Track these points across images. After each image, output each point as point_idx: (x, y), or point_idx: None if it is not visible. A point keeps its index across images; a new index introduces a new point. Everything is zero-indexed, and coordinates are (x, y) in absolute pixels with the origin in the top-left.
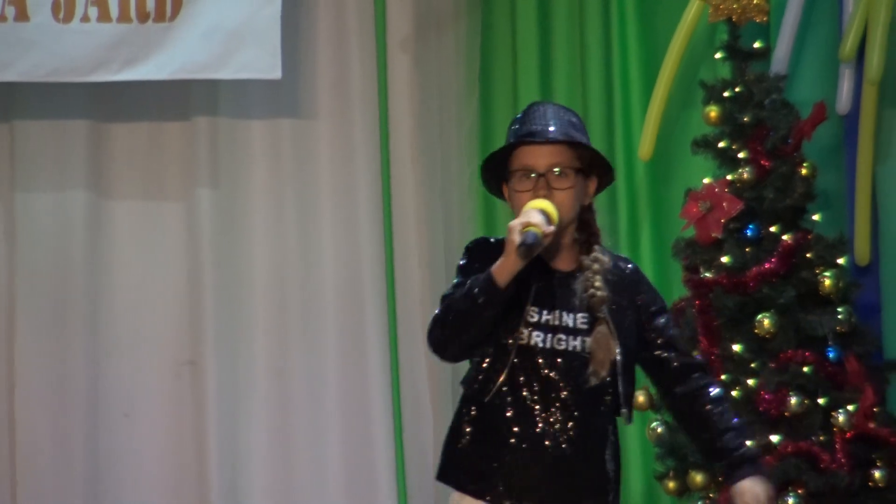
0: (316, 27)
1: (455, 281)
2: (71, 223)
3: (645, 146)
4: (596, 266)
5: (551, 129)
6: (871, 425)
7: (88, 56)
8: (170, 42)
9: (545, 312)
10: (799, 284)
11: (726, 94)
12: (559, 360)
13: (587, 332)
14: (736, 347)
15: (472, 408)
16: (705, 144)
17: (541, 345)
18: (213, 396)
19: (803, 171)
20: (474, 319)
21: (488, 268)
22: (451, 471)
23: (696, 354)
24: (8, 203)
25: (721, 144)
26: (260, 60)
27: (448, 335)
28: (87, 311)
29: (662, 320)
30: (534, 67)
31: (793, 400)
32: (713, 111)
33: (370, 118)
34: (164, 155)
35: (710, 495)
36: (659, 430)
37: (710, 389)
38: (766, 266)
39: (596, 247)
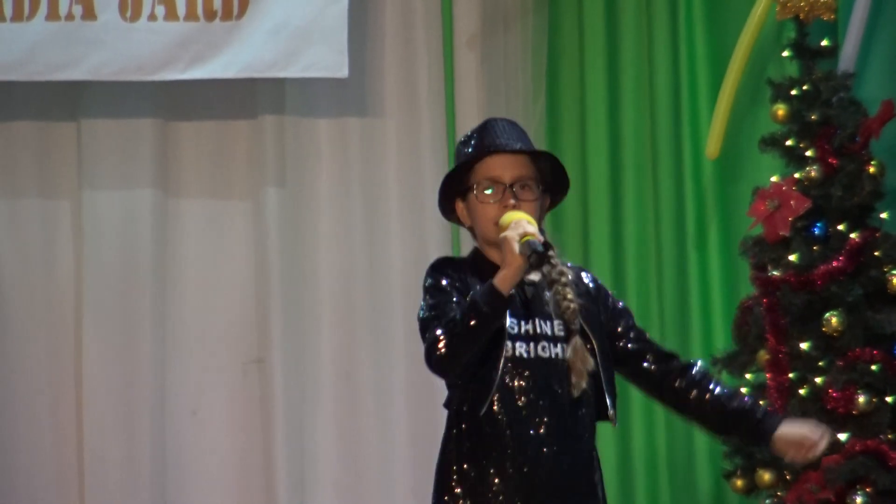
0: (383, 25)
1: (430, 302)
2: (138, 221)
3: (712, 144)
4: (564, 279)
5: (513, 142)
6: None
7: (155, 54)
8: (237, 40)
9: (523, 323)
10: (867, 283)
11: (794, 92)
12: (544, 367)
13: (566, 339)
14: (803, 345)
15: (463, 425)
16: (773, 143)
17: (525, 355)
18: (281, 395)
19: (871, 169)
20: (483, 333)
21: (458, 285)
22: (447, 493)
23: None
24: (75, 201)
25: (788, 143)
26: (327, 59)
27: (459, 354)
28: (154, 309)
29: (631, 320)
30: (601, 65)
31: (861, 398)
32: (780, 109)
33: (437, 116)
34: (231, 153)
35: (778, 493)
36: None
37: (704, 375)
38: (834, 264)
39: (554, 258)
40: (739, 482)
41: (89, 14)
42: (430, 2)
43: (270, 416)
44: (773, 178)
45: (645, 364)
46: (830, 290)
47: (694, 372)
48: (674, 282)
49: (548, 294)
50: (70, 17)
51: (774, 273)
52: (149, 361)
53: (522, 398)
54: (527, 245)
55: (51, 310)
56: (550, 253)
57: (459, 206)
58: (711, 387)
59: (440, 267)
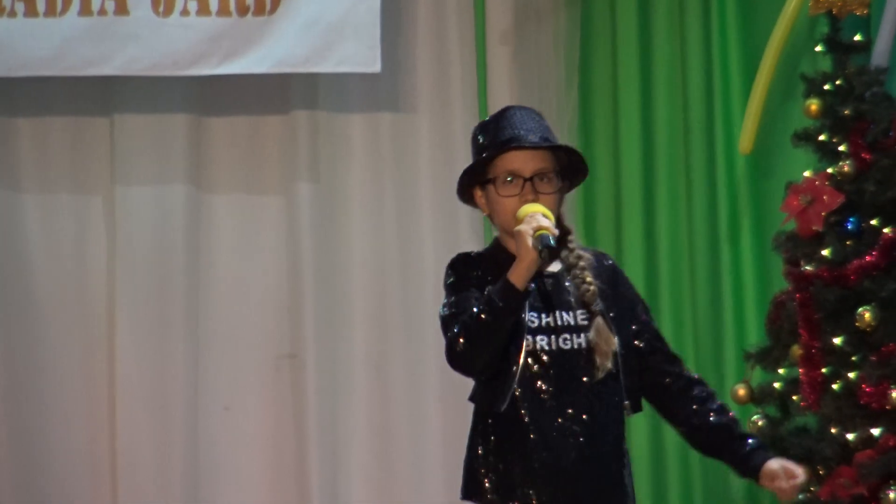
0: (415, 20)
1: (451, 300)
2: (170, 217)
3: (745, 139)
4: (582, 263)
5: (532, 134)
6: None
7: (188, 50)
8: (269, 35)
9: (544, 315)
10: None
11: (827, 87)
12: (567, 359)
13: (588, 329)
14: (837, 340)
15: (488, 421)
16: (806, 137)
17: (546, 347)
18: (313, 390)
19: None
20: (500, 329)
21: (478, 280)
22: (475, 487)
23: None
24: (108, 197)
25: (821, 137)
26: (359, 54)
27: (477, 350)
28: (186, 305)
29: (644, 315)
30: (633, 59)
31: (894, 393)
32: (813, 104)
33: (470, 111)
34: (264, 149)
35: (812, 489)
36: (760, 422)
37: (706, 396)
38: (867, 259)
39: (572, 243)
40: None
41: (122, 9)
42: None
43: (303, 411)
44: (806, 173)
45: (652, 362)
46: (864, 284)
47: (698, 386)
48: (707, 277)
49: (568, 281)
50: (102, 12)
51: (807, 268)
52: (181, 357)
53: (545, 391)
54: (539, 239)
55: (83, 305)
56: (570, 238)
57: (478, 195)
58: (712, 406)
59: (459, 263)
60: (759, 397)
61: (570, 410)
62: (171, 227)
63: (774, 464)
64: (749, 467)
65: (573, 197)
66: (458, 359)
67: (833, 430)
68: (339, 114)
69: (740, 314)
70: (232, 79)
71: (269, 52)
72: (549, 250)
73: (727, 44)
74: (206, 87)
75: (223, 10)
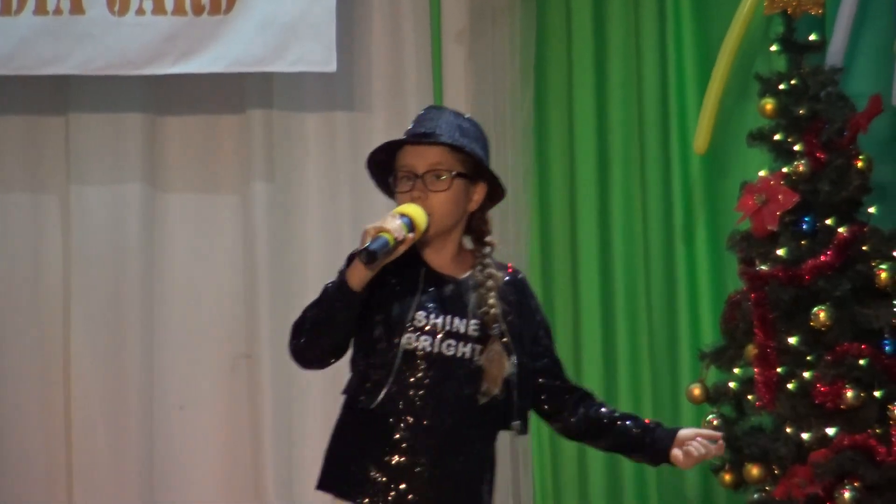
0: (371, 20)
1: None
2: (126, 216)
3: (700, 139)
4: (490, 282)
5: (438, 132)
6: None
7: (143, 49)
8: (225, 35)
9: (433, 316)
10: (854, 277)
11: (782, 86)
12: (445, 365)
13: (478, 340)
14: (792, 340)
15: (356, 415)
16: (761, 137)
17: (427, 349)
18: (268, 389)
19: (859, 164)
20: (330, 324)
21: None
22: (332, 479)
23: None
24: (63, 196)
25: (776, 137)
26: (315, 53)
27: (306, 342)
28: (142, 304)
29: (546, 339)
30: (589, 59)
31: (849, 393)
32: (769, 104)
33: None
34: (219, 148)
35: (766, 488)
36: (715, 422)
37: (594, 402)
38: (822, 259)
39: (487, 259)
40: (728, 477)
41: (77, 8)
42: None
43: (258, 410)
44: (761, 173)
45: (549, 384)
46: (818, 284)
47: (581, 407)
48: (662, 276)
49: (472, 294)
50: (58, 11)
51: (762, 267)
52: (137, 356)
53: (417, 392)
54: (376, 241)
55: (39, 304)
56: (486, 251)
57: None
58: (612, 409)
59: (349, 258)
60: (714, 397)
61: (437, 416)
62: (126, 226)
63: (688, 430)
64: (663, 435)
65: (527, 196)
66: (290, 349)
67: (788, 430)
68: (295, 113)
69: (695, 314)
70: (187, 78)
71: (224, 51)
72: (367, 254)
73: (682, 43)
74: (162, 86)
75: (179, 10)
